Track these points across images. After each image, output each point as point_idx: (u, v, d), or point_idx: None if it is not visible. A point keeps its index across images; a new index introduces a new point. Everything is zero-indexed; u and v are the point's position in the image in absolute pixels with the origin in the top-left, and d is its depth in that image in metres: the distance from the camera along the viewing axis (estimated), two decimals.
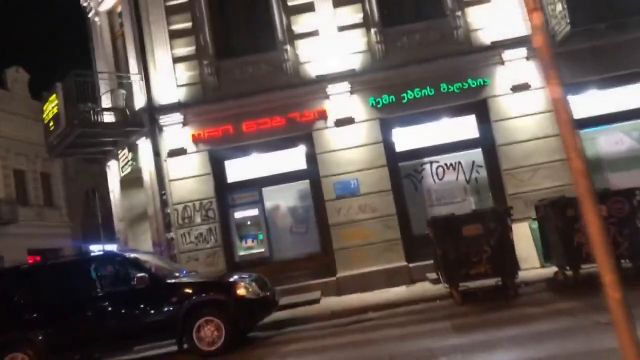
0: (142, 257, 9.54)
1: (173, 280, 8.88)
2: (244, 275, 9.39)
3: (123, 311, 8.59)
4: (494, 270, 9.32)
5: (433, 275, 11.28)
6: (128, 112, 13.16)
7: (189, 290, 8.68)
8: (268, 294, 9.16)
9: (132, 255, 9.34)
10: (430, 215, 11.76)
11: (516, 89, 12.21)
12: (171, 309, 8.49)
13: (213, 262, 12.38)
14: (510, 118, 12.19)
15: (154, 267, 9.30)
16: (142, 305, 8.59)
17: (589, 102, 12.30)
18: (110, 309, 8.58)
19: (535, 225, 10.92)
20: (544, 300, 8.50)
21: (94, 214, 27.14)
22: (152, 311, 8.57)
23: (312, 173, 12.58)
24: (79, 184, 31.52)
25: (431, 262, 11.22)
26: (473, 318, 8.04)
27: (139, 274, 8.51)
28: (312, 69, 12.55)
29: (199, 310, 8.45)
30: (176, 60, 12.87)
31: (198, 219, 12.51)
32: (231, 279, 8.92)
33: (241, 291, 8.62)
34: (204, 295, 8.58)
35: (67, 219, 30.48)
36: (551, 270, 10.22)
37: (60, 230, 29.12)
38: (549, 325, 6.68)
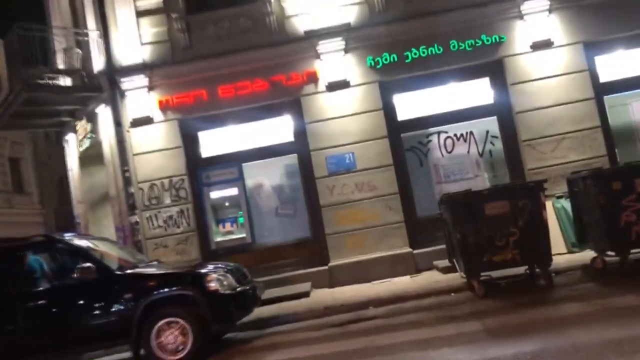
0: (93, 243, 7.72)
1: (128, 272, 7.07)
2: (219, 265, 7.65)
3: (63, 311, 6.80)
4: (522, 256, 7.68)
5: (442, 263, 9.65)
6: (85, 75, 11.24)
7: (147, 284, 6.90)
8: (248, 287, 7.42)
9: (78, 241, 7.50)
10: (438, 193, 10.15)
11: (537, 46, 10.51)
12: (124, 307, 6.73)
13: (185, 249, 10.59)
14: (529, 80, 10.50)
15: (107, 256, 7.51)
16: (87, 304, 6.82)
17: (619, 63, 10.65)
18: (46, 309, 6.79)
19: (560, 203, 9.31)
20: (589, 293, 6.85)
21: (68, 201, 25.22)
22: (99, 311, 6.78)
23: (301, 146, 10.82)
24: (52, 168, 29.50)
25: (438, 247, 9.73)
26: (507, 317, 6.38)
27: (84, 265, 6.72)
28: (300, 24, 10.72)
29: (159, 309, 6.70)
30: (140, 14, 10.97)
31: (167, 200, 10.69)
32: (202, 270, 7.13)
33: (213, 285, 6.86)
34: (166, 290, 6.80)
35: (39, 207, 28.59)
36: (583, 256, 8.70)
37: (32, 218, 27.23)
38: (617, 328, 5.03)
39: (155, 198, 10.69)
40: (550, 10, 10.48)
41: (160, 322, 6.63)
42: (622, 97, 10.66)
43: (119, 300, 6.74)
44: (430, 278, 9.55)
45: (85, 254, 7.04)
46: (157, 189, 10.69)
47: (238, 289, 7.13)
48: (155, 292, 6.75)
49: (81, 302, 6.82)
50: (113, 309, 6.74)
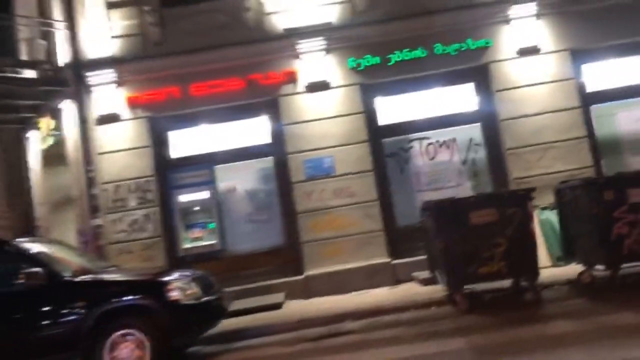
0: (46, 247, 7.06)
1: (81, 278, 6.42)
2: (185, 273, 7.03)
3: (5, 320, 6.11)
4: (509, 268, 7.23)
5: (422, 275, 9.17)
6: (50, 68, 10.56)
7: (102, 292, 6.28)
8: (214, 297, 6.82)
9: (29, 245, 6.82)
10: (419, 201, 9.68)
11: (523, 52, 10.18)
12: (75, 317, 6.08)
13: (151, 255, 9.93)
14: (515, 87, 10.15)
15: (61, 261, 6.84)
16: (33, 312, 6.14)
17: (607, 72, 10.37)
18: None
19: (545, 215, 8.91)
20: (582, 310, 6.42)
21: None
22: (47, 320, 6.11)
23: (278, 148, 10.29)
24: (22, 169, 28.38)
25: (419, 258, 9.27)
26: (493, 334, 5.90)
27: (32, 269, 6.07)
28: (280, 21, 10.23)
29: (113, 320, 6.07)
30: (111, 5, 10.36)
31: (133, 202, 10.04)
32: (163, 278, 6.51)
33: (175, 294, 6.26)
34: (122, 299, 6.18)
35: (5, 209, 27.38)
36: (568, 270, 8.30)
37: None
38: (623, 349, 4.58)
39: (121, 200, 10.03)
40: (538, 16, 10.17)
41: (115, 334, 6.02)
42: (609, 107, 10.36)
43: (70, 308, 6.10)
44: (409, 290, 9.06)
45: (33, 258, 6.36)
46: (122, 190, 10.03)
47: (203, 299, 6.53)
48: (110, 301, 6.13)
49: (27, 310, 6.15)
50: (62, 319, 6.09)
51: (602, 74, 10.33)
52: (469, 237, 7.22)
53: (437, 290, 8.15)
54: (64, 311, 6.09)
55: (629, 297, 6.51)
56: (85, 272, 6.75)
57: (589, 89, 10.30)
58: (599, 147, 10.19)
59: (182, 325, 6.26)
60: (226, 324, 7.76)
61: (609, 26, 10.04)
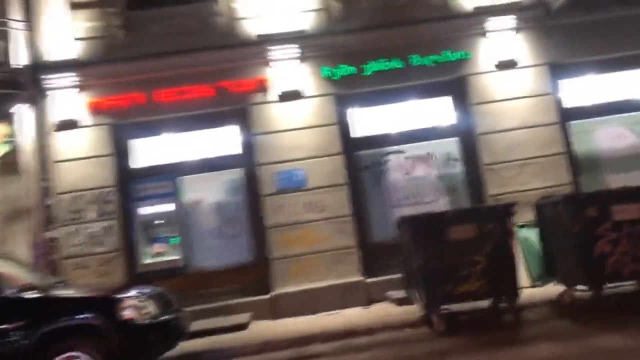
0: None
1: (20, 295, 5.80)
2: (143, 290, 6.45)
3: None
4: (489, 288, 6.86)
5: (396, 294, 8.77)
6: (5, 70, 9.90)
7: (47, 310, 5.66)
8: (172, 317, 6.26)
9: None
10: (394, 217, 9.29)
11: (502, 66, 9.96)
12: (15, 338, 5.45)
13: (108, 271, 9.29)
14: (493, 101, 9.90)
15: (3, 276, 6.21)
16: None
17: (586, 88, 10.21)
18: None
19: (523, 233, 8.60)
20: (565, 332, 6.05)
21: None
22: None
23: (247, 160, 9.81)
24: None
25: (393, 277, 8.87)
26: (472, 358, 5.48)
27: None
28: (252, 27, 9.82)
29: (58, 341, 5.46)
30: (75, 5, 9.83)
31: (92, 214, 9.41)
32: (117, 295, 5.93)
33: (129, 312, 5.70)
34: (68, 318, 5.58)
35: None
36: (547, 290, 8.03)
37: None
38: None
39: (78, 212, 9.39)
40: (516, 30, 9.98)
41: (58, 358, 5.40)
42: (587, 123, 10.18)
43: (9, 328, 5.48)
44: (383, 310, 8.62)
45: None
46: (80, 201, 9.40)
47: (160, 319, 5.98)
48: (54, 320, 5.53)
49: None
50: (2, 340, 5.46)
51: (581, 90, 10.18)
52: (446, 254, 6.84)
53: (413, 310, 7.73)
54: (4, 331, 5.46)
55: (614, 319, 6.18)
56: (31, 288, 6.13)
57: (567, 104, 10.12)
58: (577, 165, 9.97)
59: (136, 347, 5.69)
60: (186, 346, 7.22)
61: (588, 42, 9.90)
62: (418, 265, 6.93)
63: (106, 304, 5.74)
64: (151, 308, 5.91)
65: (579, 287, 7.08)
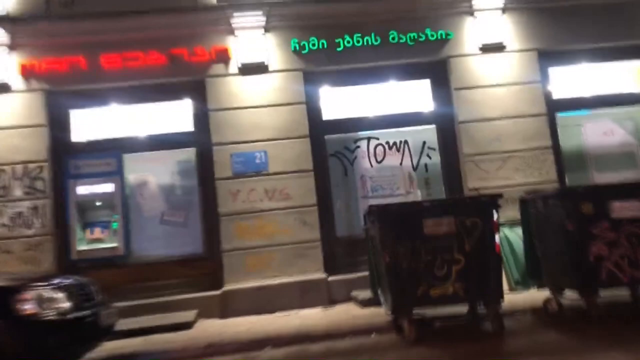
0: None
1: None
2: (59, 281, 5.34)
3: None
4: (467, 291, 5.92)
5: (362, 294, 7.84)
6: None
7: None
8: (90, 312, 5.16)
9: None
10: (362, 209, 8.35)
11: (487, 49, 9.08)
12: None
13: (35, 257, 8.13)
14: (477, 87, 9.02)
15: None
16: None
17: (576, 78, 9.41)
18: None
19: (503, 232, 7.75)
20: (556, 346, 5.15)
21: None
22: None
23: (201, 138, 8.74)
24: None
25: (359, 275, 8.10)
26: None
27: None
28: None
29: None
30: None
31: (17, 191, 8.23)
32: (14, 284, 4.81)
33: (29, 307, 4.62)
34: None
35: None
36: (529, 296, 7.26)
37: None
38: None
39: (2, 188, 8.21)
40: (504, 10, 9.12)
41: None
42: (575, 116, 9.41)
43: None
44: (346, 312, 7.66)
45: None
46: (5, 176, 8.23)
47: (72, 315, 4.87)
48: None
49: None
50: None
51: (571, 79, 9.38)
52: (419, 251, 5.89)
53: (380, 313, 6.77)
54: None
55: (610, 331, 5.32)
56: None
57: (556, 95, 9.30)
58: (563, 160, 9.17)
59: (35, 348, 4.58)
60: (116, 347, 6.22)
61: (581, 28, 9.13)
62: (387, 263, 5.95)
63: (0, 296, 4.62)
64: (61, 302, 4.81)
65: (568, 293, 6.24)
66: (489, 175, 8.81)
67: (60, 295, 4.89)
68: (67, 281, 5.33)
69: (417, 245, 5.88)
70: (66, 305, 4.87)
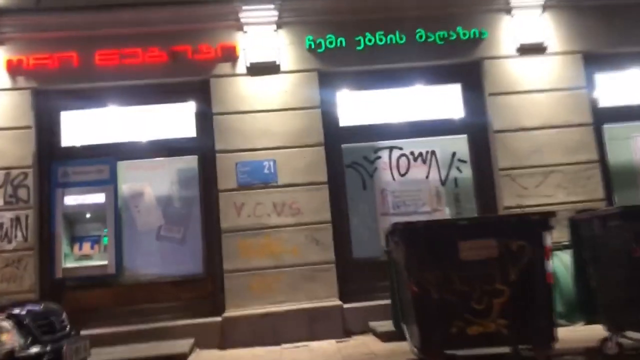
0: None
1: None
2: (21, 309, 4.42)
3: None
4: (512, 329, 4.88)
5: (382, 326, 6.86)
6: None
7: None
8: (47, 349, 4.20)
9: None
10: (382, 228, 7.47)
11: (525, 50, 8.11)
12: None
13: (15, 275, 7.25)
14: (514, 92, 8.04)
15: None
16: None
17: (625, 84, 8.38)
18: None
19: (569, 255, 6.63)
20: None
21: None
22: None
23: (204, 144, 7.84)
24: None
25: (378, 303, 7.11)
26: None
27: None
28: None
29: None
30: None
31: None
32: None
33: None
34: None
35: None
36: (581, 333, 6.10)
37: None
38: None
39: None
40: (544, 8, 8.15)
41: None
42: (625, 128, 8.35)
43: None
44: (364, 346, 6.63)
45: None
46: None
47: (23, 352, 3.92)
48: None
49: None
50: None
51: (619, 86, 8.35)
52: (454, 280, 4.90)
53: (404, 349, 5.77)
54: None
55: None
56: None
57: (602, 103, 8.29)
58: (611, 177, 8.11)
59: None
60: None
61: (631, 29, 8.15)
62: (414, 294, 4.96)
63: None
64: (7, 336, 3.86)
65: (631, 333, 5.18)
66: (527, 192, 7.79)
67: (5, 325, 3.94)
68: (29, 309, 4.40)
69: (451, 272, 4.90)
70: (14, 341, 3.93)
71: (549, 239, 4.97)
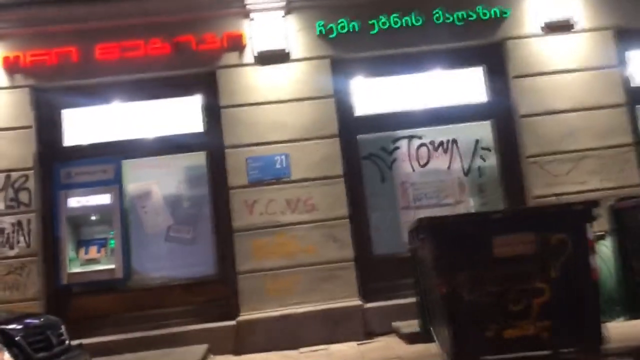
0: None
1: None
2: (17, 323, 4.05)
3: None
4: (555, 332, 4.42)
5: (407, 327, 6.42)
6: None
7: None
8: None
9: None
10: (404, 223, 7.04)
11: (551, 28, 7.59)
12: None
13: (19, 282, 6.92)
14: (540, 73, 7.52)
15: None
16: None
17: None
18: None
19: (606, 246, 6.12)
20: None
21: None
22: None
23: (212, 140, 7.43)
24: None
25: (403, 302, 6.69)
26: None
27: None
28: None
29: None
30: None
31: None
32: None
33: None
34: None
35: None
36: (626, 330, 5.56)
37: None
38: None
39: None
40: None
41: None
42: None
43: None
44: (388, 349, 6.21)
45: None
46: None
47: None
48: None
49: None
50: None
51: None
52: (488, 279, 4.44)
53: (432, 353, 5.36)
54: None
55: None
56: None
57: (637, 82, 7.74)
58: None
59: None
60: None
61: None
62: (443, 295, 4.51)
63: None
64: None
65: None
66: (558, 180, 7.29)
67: None
68: (21, 324, 4.02)
69: (484, 271, 4.44)
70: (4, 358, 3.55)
71: (591, 232, 4.49)
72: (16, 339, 3.74)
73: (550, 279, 4.42)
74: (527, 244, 4.46)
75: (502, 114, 7.63)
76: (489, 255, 4.45)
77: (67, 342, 4.32)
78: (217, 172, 7.37)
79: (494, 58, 7.68)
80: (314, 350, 6.53)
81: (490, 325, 4.42)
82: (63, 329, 4.39)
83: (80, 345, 4.51)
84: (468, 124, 7.70)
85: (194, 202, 7.51)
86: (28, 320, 4.28)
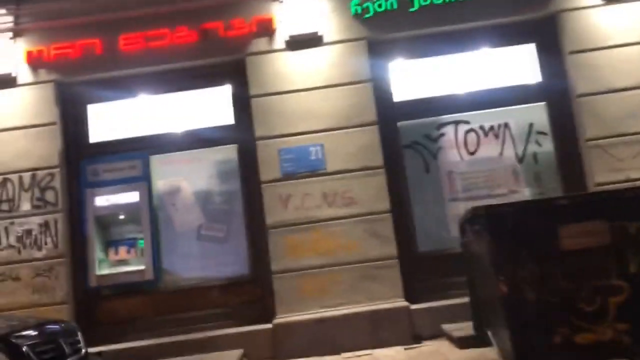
0: None
1: None
2: (31, 331, 3.70)
3: None
4: (634, 336, 3.77)
5: (458, 330, 5.86)
6: None
7: None
8: None
9: None
10: (452, 216, 6.51)
11: None
12: None
13: (47, 285, 6.64)
14: (599, 48, 6.81)
15: None
16: None
17: None
18: None
19: None
20: None
21: None
22: None
23: (243, 132, 7.01)
24: None
25: (453, 302, 6.22)
26: None
27: None
28: None
29: None
30: None
31: (26, 205, 6.79)
32: None
33: None
34: None
35: None
36: None
37: None
38: None
39: (7, 202, 6.79)
40: None
41: None
42: None
43: None
44: (438, 354, 5.66)
45: None
46: (10, 186, 6.80)
47: None
48: None
49: None
50: None
51: None
52: (555, 275, 3.84)
53: (488, 358, 4.80)
54: None
55: None
56: None
57: None
58: None
59: None
60: None
61: None
62: (503, 294, 3.93)
63: None
64: None
65: None
66: (623, 165, 6.58)
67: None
68: (28, 333, 3.66)
69: (551, 266, 3.84)
70: None
71: None
72: (23, 349, 3.36)
73: (629, 274, 3.78)
74: (600, 235, 3.84)
75: (558, 95, 6.94)
76: (556, 247, 3.85)
77: (83, 350, 3.94)
78: (248, 166, 6.94)
79: (547, 33, 7.01)
80: (358, 356, 6.04)
81: (559, 329, 3.82)
82: (79, 336, 4.03)
83: (99, 353, 4.15)
84: (520, 106, 7.04)
85: (226, 198, 7.09)
86: (42, 328, 3.94)
